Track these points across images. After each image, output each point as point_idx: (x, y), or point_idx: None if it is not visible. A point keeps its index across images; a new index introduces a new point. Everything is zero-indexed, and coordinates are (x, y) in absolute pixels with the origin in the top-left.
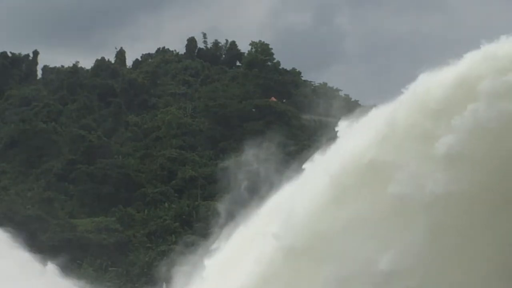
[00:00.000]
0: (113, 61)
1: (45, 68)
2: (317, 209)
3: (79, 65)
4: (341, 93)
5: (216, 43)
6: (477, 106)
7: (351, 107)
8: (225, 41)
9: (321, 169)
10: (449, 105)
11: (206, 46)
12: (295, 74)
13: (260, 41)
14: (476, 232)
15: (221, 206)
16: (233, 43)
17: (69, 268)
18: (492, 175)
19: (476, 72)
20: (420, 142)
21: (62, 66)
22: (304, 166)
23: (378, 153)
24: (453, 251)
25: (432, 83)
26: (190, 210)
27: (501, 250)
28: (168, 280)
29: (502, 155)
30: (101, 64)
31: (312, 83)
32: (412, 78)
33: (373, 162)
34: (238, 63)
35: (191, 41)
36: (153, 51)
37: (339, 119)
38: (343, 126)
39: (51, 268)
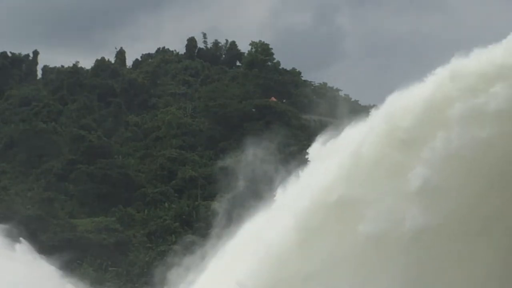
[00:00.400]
0: (113, 61)
1: (45, 68)
2: (282, 253)
3: (79, 65)
4: (341, 93)
5: (216, 43)
6: (448, 133)
7: (351, 107)
8: (225, 41)
9: (289, 204)
10: (419, 134)
11: (206, 46)
12: (295, 74)
13: (260, 41)
14: (456, 264)
15: (221, 206)
16: (233, 43)
17: (69, 268)
18: (469, 204)
19: (444, 94)
20: (390, 176)
21: (62, 66)
22: (276, 193)
23: (345, 189)
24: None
25: (399, 110)
26: (190, 210)
27: (484, 279)
28: (167, 281)
29: (478, 182)
30: (101, 64)
31: (312, 83)
32: (411, 78)
33: (341, 200)
34: (238, 63)
35: (191, 41)
36: (153, 51)
37: (339, 119)
38: (315, 150)
39: (22, 247)
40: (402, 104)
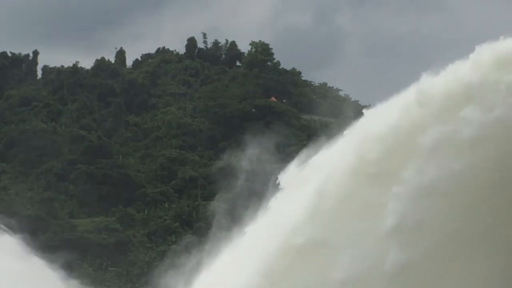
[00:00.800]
0: (113, 61)
1: (45, 68)
2: None
3: (79, 65)
4: (341, 93)
5: (216, 43)
6: (421, 164)
7: (351, 107)
8: (225, 41)
9: (255, 243)
10: (389, 167)
11: (206, 46)
12: (295, 74)
13: (260, 41)
14: None
15: (221, 206)
16: (233, 43)
17: (69, 268)
18: (450, 236)
19: (412, 120)
20: (361, 214)
21: (62, 66)
22: (246, 229)
23: (312, 231)
24: None
25: (365, 144)
26: (190, 210)
27: None
28: (167, 281)
29: (456, 214)
30: (101, 64)
31: (312, 83)
32: (411, 79)
33: (308, 243)
34: (238, 63)
35: (191, 41)
36: (153, 51)
37: (339, 119)
38: (286, 176)
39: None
40: (369, 133)
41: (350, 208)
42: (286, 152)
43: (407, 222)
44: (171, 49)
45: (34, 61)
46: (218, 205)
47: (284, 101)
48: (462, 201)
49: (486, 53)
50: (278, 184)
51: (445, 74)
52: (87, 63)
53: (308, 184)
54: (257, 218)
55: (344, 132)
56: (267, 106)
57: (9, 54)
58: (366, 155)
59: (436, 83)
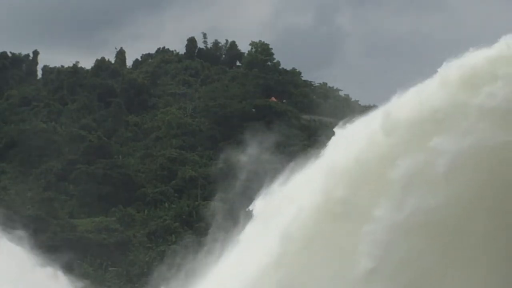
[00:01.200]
0: (113, 61)
1: (45, 68)
2: None
3: (79, 65)
4: (341, 93)
5: (216, 43)
6: (392, 202)
7: (351, 107)
8: (225, 41)
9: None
10: (357, 205)
11: (206, 46)
12: (295, 74)
13: (260, 41)
14: None
15: (221, 206)
16: (233, 43)
17: (69, 268)
18: (427, 277)
19: (380, 152)
20: (330, 258)
21: (62, 66)
22: (219, 261)
23: (279, 278)
24: None
25: (331, 179)
26: (190, 210)
27: None
28: (167, 281)
29: (433, 251)
30: (101, 64)
31: (312, 83)
32: (411, 80)
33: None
34: (238, 63)
35: (191, 41)
36: (153, 51)
37: (339, 119)
38: (259, 206)
39: None
40: (335, 166)
41: (318, 252)
42: (286, 152)
43: (384, 265)
44: (171, 49)
45: (34, 61)
46: (218, 205)
47: (284, 101)
48: (440, 237)
49: (452, 71)
50: (251, 212)
51: (412, 97)
52: (87, 63)
53: (278, 216)
54: (228, 251)
55: (319, 155)
56: (267, 106)
57: (9, 54)
58: (332, 192)
59: (402, 107)
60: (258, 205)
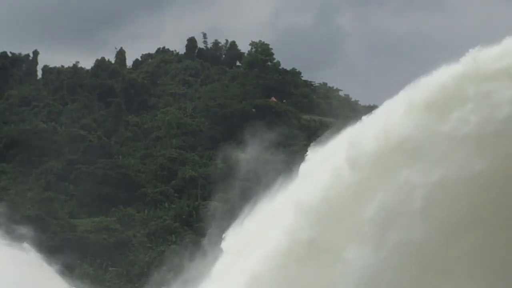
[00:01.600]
0: (113, 61)
1: (45, 68)
2: None
3: (79, 65)
4: (341, 93)
5: (216, 43)
6: (363, 244)
7: (351, 107)
8: (225, 41)
9: None
10: (325, 247)
11: (206, 46)
12: (295, 74)
13: (260, 41)
14: None
15: (221, 206)
16: (233, 43)
17: (69, 268)
18: None
19: (346, 187)
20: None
21: (62, 66)
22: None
23: None
24: None
25: (296, 219)
26: (190, 210)
27: None
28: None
29: None
30: (101, 64)
31: (312, 83)
32: (410, 80)
33: None
34: (238, 63)
35: (191, 41)
36: (153, 51)
37: (339, 119)
38: (228, 243)
39: None
40: (301, 203)
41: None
42: (286, 152)
43: None
44: (171, 49)
45: (34, 61)
46: (217, 205)
47: (284, 101)
48: (423, 270)
49: (417, 94)
50: (221, 248)
51: (377, 124)
52: (87, 63)
53: (246, 254)
54: (201, 286)
55: (289, 181)
56: (267, 106)
57: (9, 54)
58: (298, 234)
59: (367, 137)
60: (228, 241)
